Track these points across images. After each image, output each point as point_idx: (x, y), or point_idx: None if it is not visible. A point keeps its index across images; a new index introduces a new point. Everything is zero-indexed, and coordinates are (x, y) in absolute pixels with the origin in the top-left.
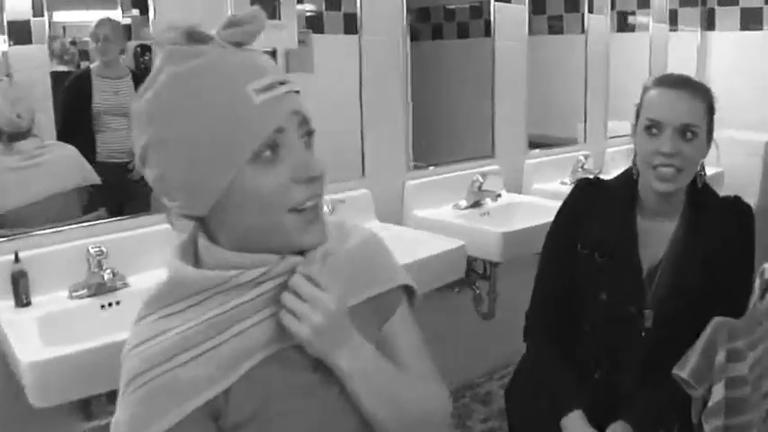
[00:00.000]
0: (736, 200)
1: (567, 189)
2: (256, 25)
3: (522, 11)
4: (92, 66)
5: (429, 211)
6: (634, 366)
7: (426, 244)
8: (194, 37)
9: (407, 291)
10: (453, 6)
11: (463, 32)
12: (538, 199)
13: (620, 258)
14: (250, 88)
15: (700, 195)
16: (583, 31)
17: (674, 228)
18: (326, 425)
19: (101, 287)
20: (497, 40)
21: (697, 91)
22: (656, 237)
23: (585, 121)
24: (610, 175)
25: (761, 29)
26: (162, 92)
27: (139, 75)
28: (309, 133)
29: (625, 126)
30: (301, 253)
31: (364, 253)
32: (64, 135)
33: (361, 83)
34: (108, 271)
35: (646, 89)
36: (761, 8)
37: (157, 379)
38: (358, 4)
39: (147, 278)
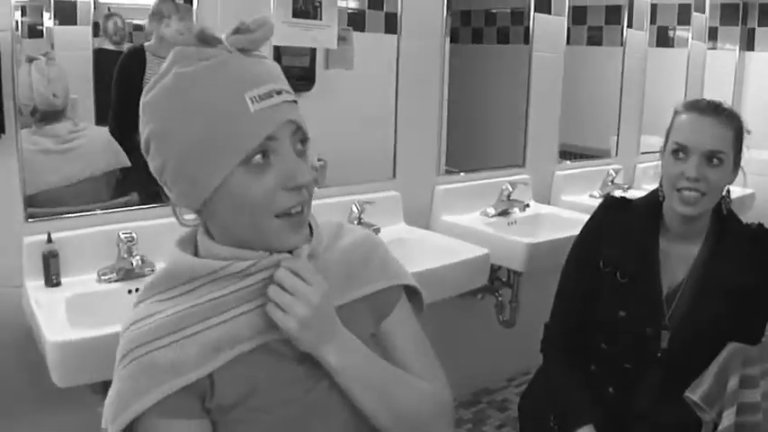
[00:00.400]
0: (760, 227)
1: (596, 202)
2: (263, 33)
3: (561, 22)
4: (145, 44)
5: (457, 216)
6: (648, 385)
7: (451, 250)
8: (204, 39)
9: (411, 291)
10: (495, 11)
11: (503, 38)
12: (565, 211)
13: (640, 279)
14: (248, 96)
15: (724, 221)
16: (621, 43)
17: (697, 252)
18: (316, 416)
19: (129, 273)
20: (535, 50)
21: (726, 118)
22: (679, 260)
23: (618, 135)
24: (640, 189)
25: None
26: (167, 90)
27: None
28: (303, 141)
29: (659, 142)
30: (290, 252)
31: (359, 251)
32: (117, 111)
33: (397, 83)
34: (137, 257)
35: (676, 113)
36: None
37: (141, 358)
38: (399, 4)
39: None
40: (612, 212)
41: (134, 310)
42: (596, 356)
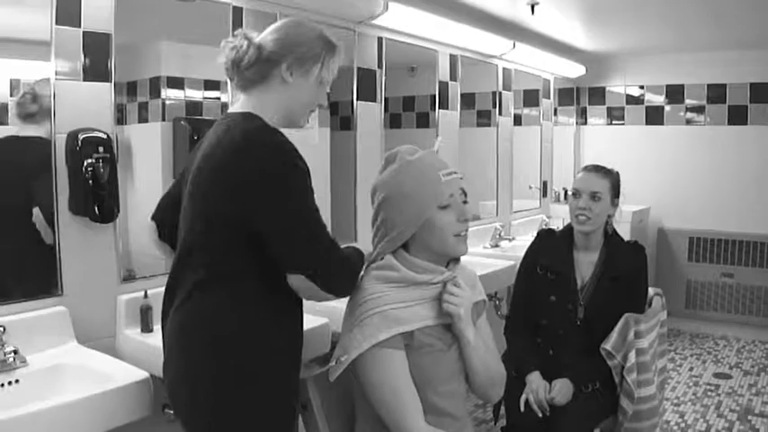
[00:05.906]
0: (635, 242)
1: (489, 252)
2: (438, 146)
3: (454, 115)
4: None
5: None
6: (573, 345)
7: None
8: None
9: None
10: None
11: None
12: (471, 257)
13: (563, 275)
14: (440, 173)
15: (611, 237)
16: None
17: (596, 258)
18: (450, 364)
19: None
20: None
21: (602, 173)
22: (585, 263)
23: (497, 199)
24: (519, 236)
25: (623, 123)
26: (397, 170)
27: None
28: (465, 194)
29: (522, 203)
30: (447, 264)
31: (469, 277)
32: None
33: None
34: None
35: (576, 173)
36: (622, 107)
37: (382, 313)
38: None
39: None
40: (544, 237)
41: (366, 289)
42: (539, 330)
